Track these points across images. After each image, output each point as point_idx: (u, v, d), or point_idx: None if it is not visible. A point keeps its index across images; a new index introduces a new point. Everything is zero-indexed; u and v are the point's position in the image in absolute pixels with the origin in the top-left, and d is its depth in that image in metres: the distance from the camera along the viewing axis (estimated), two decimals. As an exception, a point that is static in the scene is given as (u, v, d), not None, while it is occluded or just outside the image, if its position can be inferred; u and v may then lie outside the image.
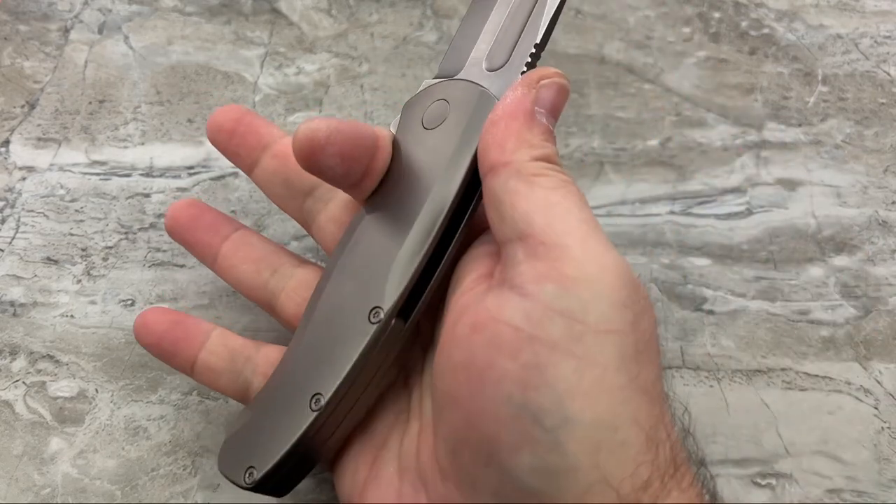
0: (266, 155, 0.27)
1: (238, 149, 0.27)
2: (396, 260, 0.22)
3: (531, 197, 0.20)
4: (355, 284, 0.22)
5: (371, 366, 0.22)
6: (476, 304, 0.20)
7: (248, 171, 0.27)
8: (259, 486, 0.22)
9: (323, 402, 0.21)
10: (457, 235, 0.22)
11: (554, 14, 0.24)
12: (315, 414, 0.21)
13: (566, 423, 0.17)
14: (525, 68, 0.23)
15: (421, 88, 0.24)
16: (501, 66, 0.24)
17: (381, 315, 0.21)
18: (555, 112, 0.22)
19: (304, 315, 0.24)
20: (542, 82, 0.22)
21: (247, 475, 0.22)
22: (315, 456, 0.23)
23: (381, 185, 0.23)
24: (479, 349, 0.19)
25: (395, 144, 0.23)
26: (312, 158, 0.22)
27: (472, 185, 0.22)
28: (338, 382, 0.21)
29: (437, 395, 0.20)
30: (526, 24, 0.24)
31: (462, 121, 0.23)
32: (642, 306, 0.19)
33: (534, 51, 0.24)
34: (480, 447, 0.18)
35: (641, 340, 0.18)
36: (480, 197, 0.22)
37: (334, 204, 0.26)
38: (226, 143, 0.27)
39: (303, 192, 0.26)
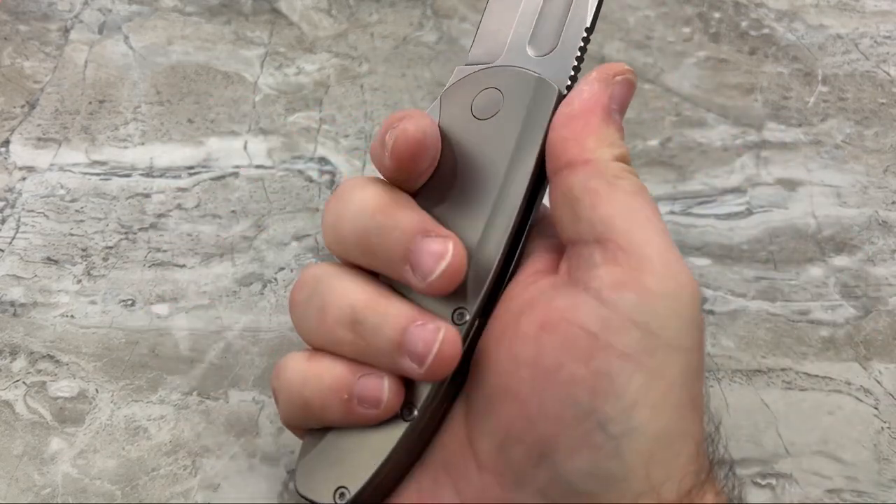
0: None
1: None
2: (474, 259, 0.21)
3: (612, 200, 0.20)
4: None
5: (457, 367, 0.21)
6: (545, 301, 0.19)
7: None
8: None
9: (416, 411, 0.20)
10: (525, 231, 0.22)
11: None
12: (408, 425, 0.20)
13: (631, 433, 0.17)
14: (579, 53, 0.22)
15: (458, 77, 0.23)
16: (551, 51, 0.23)
17: (467, 317, 0.20)
18: (623, 110, 0.22)
19: None
20: (617, 78, 0.21)
21: (337, 496, 0.21)
22: (404, 469, 0.22)
23: (431, 176, 0.22)
24: (548, 349, 0.19)
25: (442, 134, 0.22)
26: (413, 161, 0.21)
27: (539, 179, 0.22)
28: (428, 389, 0.20)
29: (488, 388, 0.20)
30: (571, 5, 0.23)
31: (521, 110, 0.22)
32: (702, 330, 0.19)
33: (585, 35, 0.23)
34: (535, 445, 0.18)
35: (701, 360, 0.19)
36: (542, 191, 0.22)
37: None
38: None
39: None
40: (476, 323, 0.21)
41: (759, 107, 0.39)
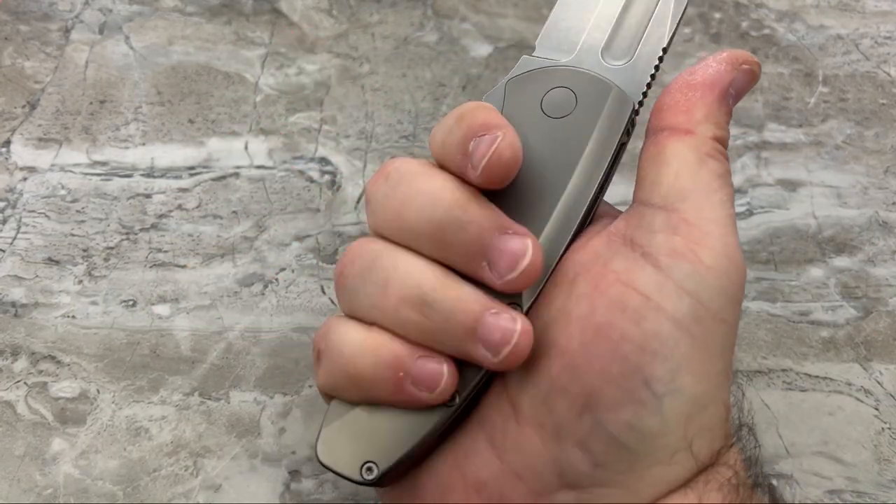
0: None
1: None
2: None
3: (697, 175, 0.20)
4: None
5: None
6: (600, 264, 0.20)
7: None
8: (376, 482, 0.21)
9: (458, 399, 0.20)
10: (582, 233, 0.22)
11: (682, 14, 0.23)
12: (450, 410, 0.20)
13: (673, 393, 0.18)
14: (654, 70, 0.23)
15: (525, 67, 0.23)
16: (625, 62, 0.23)
17: (521, 311, 0.20)
18: (739, 97, 0.23)
19: None
20: (743, 66, 0.22)
21: (364, 470, 0.20)
22: (432, 449, 0.21)
23: None
24: (601, 308, 0.19)
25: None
26: (505, 179, 0.20)
27: (603, 187, 0.22)
28: (476, 378, 0.20)
29: (547, 339, 0.20)
30: (650, 19, 0.23)
31: (595, 117, 0.22)
32: (740, 304, 0.20)
33: (661, 53, 0.23)
34: (579, 396, 0.19)
35: (736, 333, 0.20)
36: (602, 196, 0.22)
37: None
38: None
39: None
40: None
41: (760, 107, 0.39)
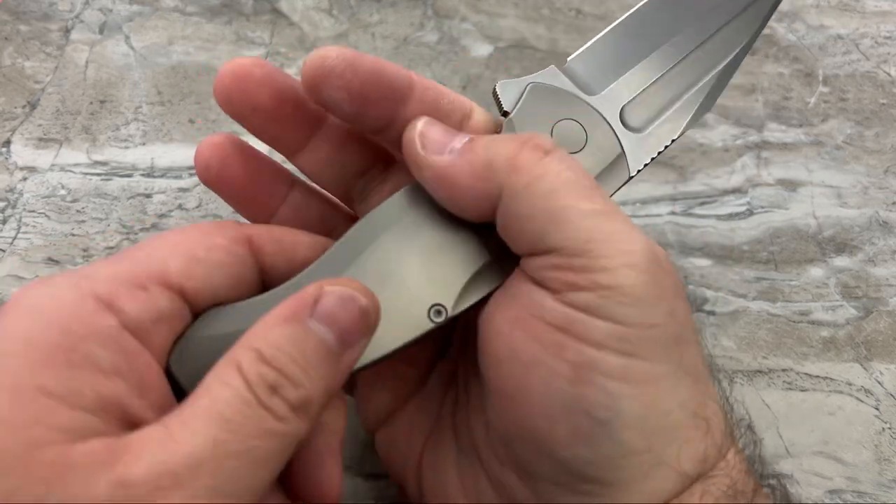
0: (315, 138, 0.23)
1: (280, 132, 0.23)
2: (482, 272, 0.21)
3: (534, 212, 0.19)
4: (421, 265, 0.21)
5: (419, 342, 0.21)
6: (514, 298, 0.20)
7: (291, 155, 0.23)
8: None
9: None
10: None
11: (703, 114, 0.24)
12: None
13: (618, 416, 0.18)
14: (656, 154, 0.23)
15: (553, 79, 0.22)
16: (636, 131, 0.23)
17: (443, 317, 0.20)
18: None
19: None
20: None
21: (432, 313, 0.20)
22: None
23: None
24: (522, 345, 0.19)
25: (512, 129, 0.22)
26: (316, 88, 0.20)
27: None
28: (371, 360, 0.20)
29: (487, 386, 0.20)
30: (676, 105, 0.23)
31: (595, 169, 0.22)
32: (674, 293, 0.19)
33: (669, 143, 0.23)
34: (531, 441, 0.19)
35: (679, 324, 0.19)
36: None
37: (390, 185, 0.24)
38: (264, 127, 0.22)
39: (354, 174, 0.24)
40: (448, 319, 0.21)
41: (760, 107, 0.39)
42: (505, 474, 0.20)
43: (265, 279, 0.21)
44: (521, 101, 0.22)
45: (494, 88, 0.22)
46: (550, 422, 0.18)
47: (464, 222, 0.21)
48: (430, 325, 0.20)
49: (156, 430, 0.15)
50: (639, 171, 0.23)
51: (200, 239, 0.19)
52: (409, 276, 0.21)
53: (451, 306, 0.20)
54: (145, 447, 0.15)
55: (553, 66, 0.23)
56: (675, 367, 0.18)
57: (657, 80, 0.23)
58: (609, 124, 0.22)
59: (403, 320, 0.20)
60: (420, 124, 0.20)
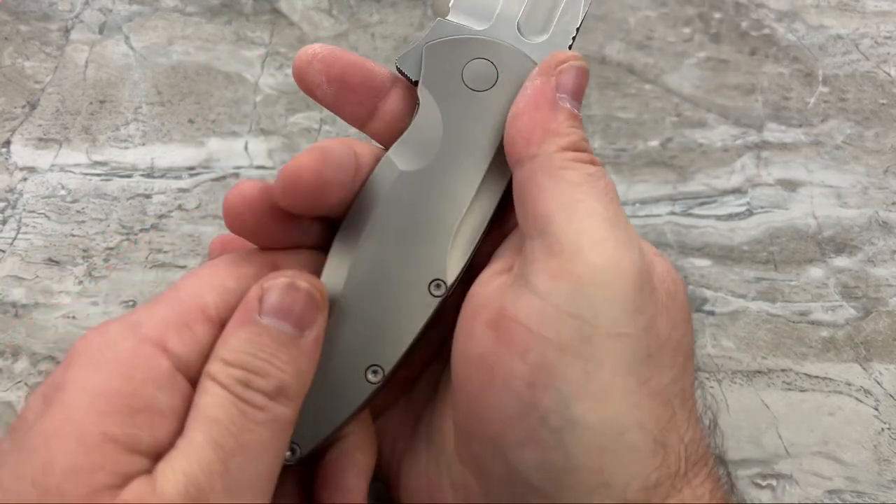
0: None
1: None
2: (459, 233, 0.21)
3: (555, 193, 0.19)
4: (405, 251, 0.21)
5: (425, 336, 0.21)
6: (494, 299, 0.20)
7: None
8: (299, 463, 0.20)
9: (382, 375, 0.21)
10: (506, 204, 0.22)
11: None
12: (374, 387, 0.20)
13: (571, 425, 0.17)
14: (568, 49, 0.23)
15: (442, 32, 0.23)
16: (540, 39, 0.23)
17: (444, 289, 0.21)
18: (577, 95, 0.21)
19: (329, 277, 0.22)
20: (560, 67, 0.21)
21: (287, 452, 0.20)
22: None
23: (417, 138, 0.22)
24: (491, 345, 0.19)
25: (427, 94, 0.22)
26: (301, 73, 0.22)
27: None
28: (400, 355, 0.21)
29: (454, 384, 0.20)
30: (564, 1, 0.24)
31: (516, 93, 0.22)
32: (659, 310, 0.19)
33: (575, 33, 0.23)
34: (488, 440, 0.19)
35: (655, 344, 0.18)
36: None
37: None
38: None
39: None
40: (454, 290, 0.21)
41: (760, 107, 0.39)
42: (465, 475, 0.20)
43: None
44: (423, 65, 0.23)
45: (396, 65, 0.23)
46: (505, 424, 0.18)
47: (431, 195, 0.22)
48: (435, 301, 0.21)
49: (173, 455, 0.17)
50: None
51: (229, 270, 0.20)
52: (401, 264, 0.21)
53: (446, 276, 0.21)
54: (169, 470, 0.16)
55: (438, 18, 0.23)
56: (638, 384, 0.18)
57: None
58: (511, 45, 0.23)
59: (410, 307, 0.21)
60: (575, 64, 0.21)
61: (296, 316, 0.19)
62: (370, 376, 0.21)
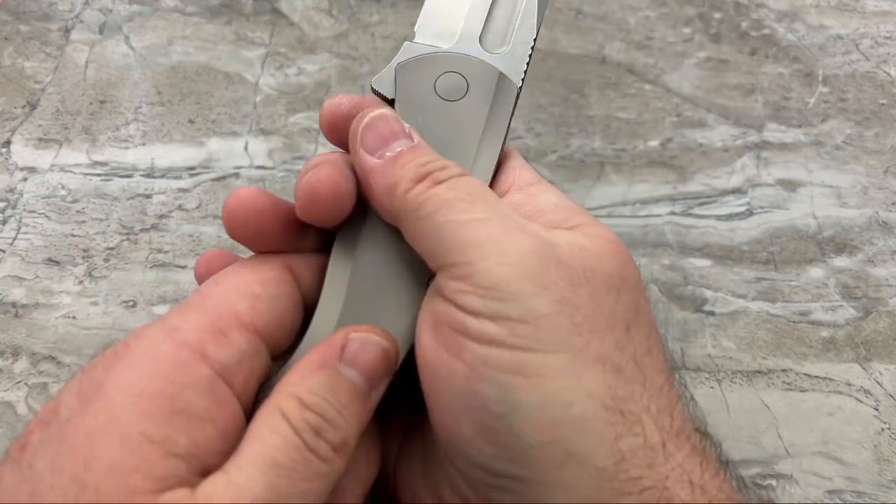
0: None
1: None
2: None
3: (431, 221, 0.20)
4: (404, 252, 0.22)
5: None
6: (432, 309, 0.20)
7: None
8: None
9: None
10: None
11: (546, 6, 0.26)
12: None
13: (515, 408, 0.18)
14: (528, 59, 0.25)
15: (412, 53, 0.24)
16: (502, 50, 0.25)
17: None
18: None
19: (330, 285, 0.22)
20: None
21: None
22: None
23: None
24: (433, 349, 0.19)
25: (404, 109, 0.24)
26: (336, 132, 0.23)
27: (498, 164, 0.24)
28: (401, 355, 0.21)
29: (424, 394, 0.21)
30: (520, 11, 0.25)
31: (487, 99, 0.24)
32: (574, 281, 0.19)
33: (533, 43, 0.25)
34: (449, 442, 0.19)
35: (581, 313, 0.19)
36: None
37: None
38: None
39: None
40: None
41: (760, 107, 0.39)
42: (452, 474, 0.20)
43: (305, 304, 0.22)
44: (396, 83, 0.24)
45: (371, 86, 0.24)
46: (456, 420, 0.19)
47: None
48: None
49: (221, 479, 0.17)
50: (523, 79, 0.24)
51: (252, 275, 0.20)
52: (400, 264, 0.22)
53: None
54: (214, 495, 0.16)
55: (406, 41, 0.25)
56: (572, 355, 0.18)
57: (492, 1, 0.26)
58: (476, 57, 0.24)
59: (411, 307, 0.21)
60: (368, 118, 0.21)
61: (370, 372, 0.19)
62: None
